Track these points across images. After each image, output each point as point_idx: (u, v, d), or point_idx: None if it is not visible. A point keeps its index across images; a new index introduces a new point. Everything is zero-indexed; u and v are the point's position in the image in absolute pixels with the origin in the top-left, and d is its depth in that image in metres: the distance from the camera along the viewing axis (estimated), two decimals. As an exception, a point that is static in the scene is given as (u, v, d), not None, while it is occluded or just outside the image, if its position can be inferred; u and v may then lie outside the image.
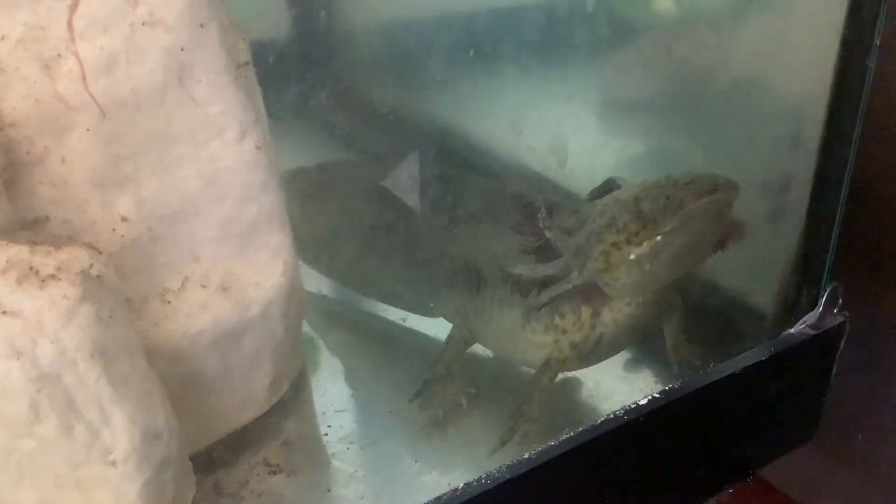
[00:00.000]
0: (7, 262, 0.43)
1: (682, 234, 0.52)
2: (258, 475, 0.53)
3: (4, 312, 0.42)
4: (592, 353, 0.58)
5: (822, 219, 0.61)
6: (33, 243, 0.44)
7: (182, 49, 0.47)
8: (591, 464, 0.54)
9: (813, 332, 0.62)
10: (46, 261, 0.44)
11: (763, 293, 0.65)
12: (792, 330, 0.62)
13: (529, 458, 0.51)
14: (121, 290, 0.47)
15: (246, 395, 0.54)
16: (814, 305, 0.63)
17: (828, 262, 0.62)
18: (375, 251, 0.68)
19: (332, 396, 0.59)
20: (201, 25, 0.47)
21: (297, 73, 0.85)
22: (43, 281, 0.43)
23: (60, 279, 0.43)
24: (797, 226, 0.62)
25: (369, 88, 0.96)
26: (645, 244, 0.52)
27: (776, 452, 0.67)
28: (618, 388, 0.62)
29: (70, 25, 0.46)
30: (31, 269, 0.43)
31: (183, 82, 0.48)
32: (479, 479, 0.50)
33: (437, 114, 0.89)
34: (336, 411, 0.58)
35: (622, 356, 0.62)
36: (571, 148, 0.82)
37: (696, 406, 0.58)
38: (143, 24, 0.46)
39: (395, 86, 0.95)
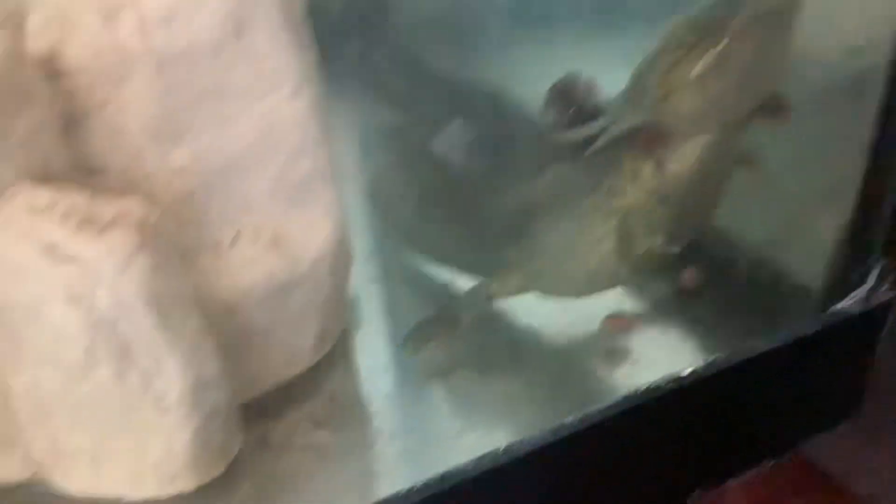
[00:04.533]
0: (67, 208, 0.44)
1: (746, 39, 0.48)
2: (303, 429, 0.53)
3: (64, 258, 0.43)
4: (657, 218, 0.55)
5: (876, 194, 0.60)
6: (92, 193, 0.45)
7: (241, 4, 0.47)
8: (631, 432, 0.54)
9: (860, 309, 0.61)
10: (105, 209, 0.44)
11: (813, 267, 0.64)
12: (839, 305, 0.61)
13: (572, 422, 0.51)
14: (176, 241, 0.48)
15: (293, 349, 0.55)
16: (863, 282, 0.62)
17: (879, 238, 0.61)
18: (434, 214, 0.67)
19: (375, 355, 0.59)
20: (260, -20, 0.48)
21: (352, 33, 0.85)
22: (101, 229, 0.44)
23: (118, 227, 0.44)
24: (850, 201, 0.61)
25: (424, 50, 0.96)
26: (709, 53, 0.49)
27: (818, 429, 0.66)
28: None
29: (131, -24, 0.46)
30: (90, 216, 0.44)
31: (240, 37, 0.48)
32: (522, 440, 0.51)
33: (491, 78, 0.89)
34: (378, 370, 0.58)
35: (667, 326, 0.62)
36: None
37: (739, 379, 0.58)
38: (204, -24, 0.46)
39: (450, 48, 0.95)
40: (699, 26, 0.50)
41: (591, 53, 0.88)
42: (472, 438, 0.55)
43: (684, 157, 0.53)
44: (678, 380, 0.55)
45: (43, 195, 0.44)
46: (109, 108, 0.48)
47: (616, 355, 0.63)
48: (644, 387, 0.54)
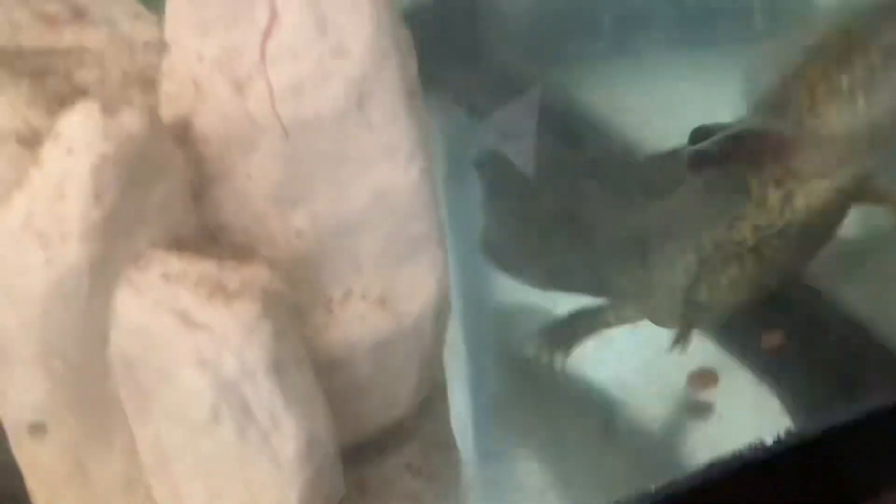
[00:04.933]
0: (199, 277, 0.46)
1: None
2: (400, 476, 0.56)
3: (195, 324, 0.45)
4: (775, 247, 0.53)
5: None
6: (219, 257, 0.48)
7: (364, 78, 0.49)
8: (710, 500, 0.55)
9: None
10: (232, 276, 0.47)
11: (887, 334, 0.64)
12: None
13: (654, 492, 0.53)
14: (294, 303, 0.50)
15: (393, 397, 0.57)
16: None
17: None
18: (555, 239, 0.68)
19: (470, 404, 0.62)
20: (385, 56, 0.49)
21: (438, 43, 0.86)
22: (229, 297, 0.46)
23: (244, 295, 0.46)
24: None
25: (510, 62, 0.96)
26: (859, 64, 0.45)
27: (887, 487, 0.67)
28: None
29: (263, 51, 0.48)
30: (218, 284, 0.46)
31: (362, 108, 0.50)
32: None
33: (579, 94, 0.89)
34: (472, 419, 0.60)
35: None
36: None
37: (818, 447, 0.59)
38: (332, 53, 0.48)
39: (537, 61, 0.95)
40: (852, 33, 0.46)
41: (680, 71, 0.87)
42: (555, 496, 0.57)
43: (816, 193, 0.49)
44: (763, 448, 0.56)
45: (175, 263, 0.46)
46: (237, 174, 0.50)
47: (700, 411, 0.64)
48: (728, 455, 0.55)
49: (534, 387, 0.62)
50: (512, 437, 0.60)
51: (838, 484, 0.66)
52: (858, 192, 0.52)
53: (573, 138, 0.81)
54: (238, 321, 0.46)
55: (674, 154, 0.57)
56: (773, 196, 0.51)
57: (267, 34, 0.48)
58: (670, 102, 0.84)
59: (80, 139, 0.44)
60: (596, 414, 0.63)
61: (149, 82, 0.52)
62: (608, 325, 0.63)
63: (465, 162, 0.81)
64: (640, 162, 0.65)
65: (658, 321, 0.61)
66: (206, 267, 0.47)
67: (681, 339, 0.57)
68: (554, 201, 0.68)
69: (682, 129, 0.78)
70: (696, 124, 0.77)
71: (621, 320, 0.62)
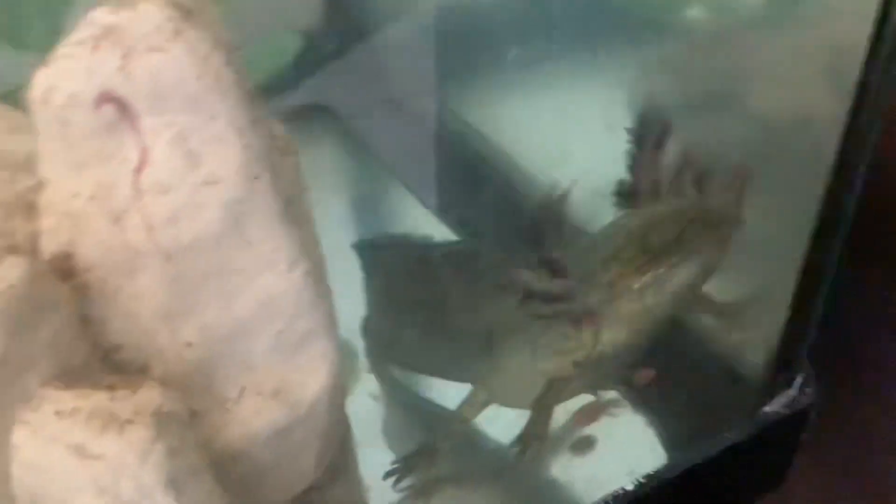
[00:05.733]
0: (91, 410, 0.49)
1: (688, 268, 0.56)
2: (306, 547, 0.60)
3: (91, 456, 0.48)
4: (594, 370, 0.63)
5: (804, 302, 0.65)
6: (111, 387, 0.50)
7: (238, 201, 0.51)
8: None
9: (786, 412, 0.68)
10: (124, 406, 0.49)
11: (744, 372, 0.70)
12: (767, 408, 0.68)
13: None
14: (189, 413, 0.53)
15: (295, 473, 0.61)
16: (789, 386, 0.68)
17: (805, 345, 0.67)
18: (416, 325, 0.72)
19: (378, 459, 0.65)
20: (256, 178, 0.51)
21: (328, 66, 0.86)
22: (121, 426, 0.49)
23: (137, 423, 0.49)
24: (779, 310, 0.66)
25: (405, 87, 0.97)
26: (649, 275, 0.56)
27: (748, 500, 0.74)
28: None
29: (136, 186, 0.50)
30: (111, 415, 0.49)
31: (239, 227, 0.52)
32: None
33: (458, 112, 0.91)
34: (375, 479, 0.64)
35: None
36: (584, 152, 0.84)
37: (679, 484, 0.64)
38: (204, 183, 0.50)
39: (431, 85, 0.96)
40: (649, 249, 0.56)
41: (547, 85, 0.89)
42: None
43: (619, 332, 0.59)
44: (623, 496, 0.61)
45: (68, 399, 0.49)
46: (123, 296, 0.52)
47: (583, 447, 0.69)
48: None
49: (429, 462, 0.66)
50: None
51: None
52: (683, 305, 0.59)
53: (471, 176, 0.84)
54: (132, 448, 0.49)
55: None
56: (586, 332, 0.59)
57: (138, 171, 0.49)
58: (566, 120, 0.86)
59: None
60: (491, 458, 0.68)
61: (31, 206, 0.53)
62: (465, 421, 0.67)
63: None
64: (493, 258, 0.69)
65: (506, 403, 0.66)
66: (97, 399, 0.49)
67: (524, 450, 0.63)
68: (422, 288, 0.71)
69: (582, 148, 0.82)
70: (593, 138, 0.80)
71: (475, 411, 0.66)
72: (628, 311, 0.59)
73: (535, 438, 0.65)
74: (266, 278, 0.54)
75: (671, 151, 0.66)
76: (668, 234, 0.57)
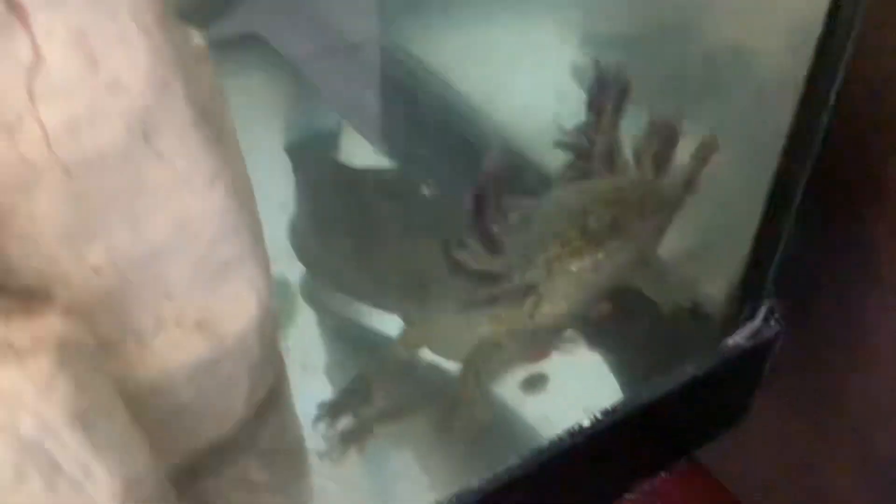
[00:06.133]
0: (-17, 339, 0.44)
1: (625, 251, 0.55)
2: (238, 491, 0.56)
3: (-16, 389, 0.44)
4: (532, 341, 0.61)
5: (769, 234, 0.63)
6: (6, 314, 0.45)
7: (146, 110, 0.46)
8: (534, 485, 0.58)
9: (749, 344, 0.65)
10: (21, 334, 0.45)
11: (710, 303, 0.67)
12: (729, 342, 0.65)
13: (480, 487, 0.55)
14: (97, 343, 0.48)
15: (223, 412, 0.57)
16: (753, 317, 0.65)
17: (769, 277, 0.64)
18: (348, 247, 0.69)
19: (308, 401, 0.62)
20: (165, 85, 0.46)
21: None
22: (19, 355, 0.44)
23: (37, 352, 0.44)
24: (744, 241, 0.63)
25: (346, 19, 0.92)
26: (587, 259, 0.55)
27: (708, 438, 0.72)
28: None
29: (30, 91, 0.45)
30: (7, 344, 0.44)
31: (149, 140, 0.47)
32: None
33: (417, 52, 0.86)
34: (310, 418, 0.60)
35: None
36: (538, 90, 0.80)
37: (638, 419, 0.61)
38: (106, 88, 0.45)
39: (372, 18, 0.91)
40: (588, 232, 0.55)
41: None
42: (401, 489, 0.58)
43: (558, 305, 0.58)
44: (579, 432, 0.58)
45: (-44, 327, 0.44)
46: (20, 216, 0.47)
47: (535, 384, 0.65)
48: (547, 442, 0.57)
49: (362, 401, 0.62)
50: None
51: (670, 439, 0.70)
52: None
53: (415, 105, 0.80)
54: (31, 380, 0.44)
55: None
56: (523, 305, 0.57)
57: (33, 73, 0.44)
58: (507, 53, 0.82)
59: None
60: (437, 396, 0.64)
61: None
62: (398, 358, 0.64)
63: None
64: (434, 199, 0.65)
65: (438, 353, 0.62)
66: (-9, 327, 0.45)
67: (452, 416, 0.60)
68: (353, 212, 0.67)
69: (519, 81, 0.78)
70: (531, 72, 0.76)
71: (408, 351, 0.63)
72: (566, 289, 0.57)
73: (464, 403, 0.60)
74: (182, 197, 0.50)
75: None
76: (608, 218, 0.55)
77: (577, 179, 0.61)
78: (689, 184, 0.59)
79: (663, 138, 0.60)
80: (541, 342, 0.63)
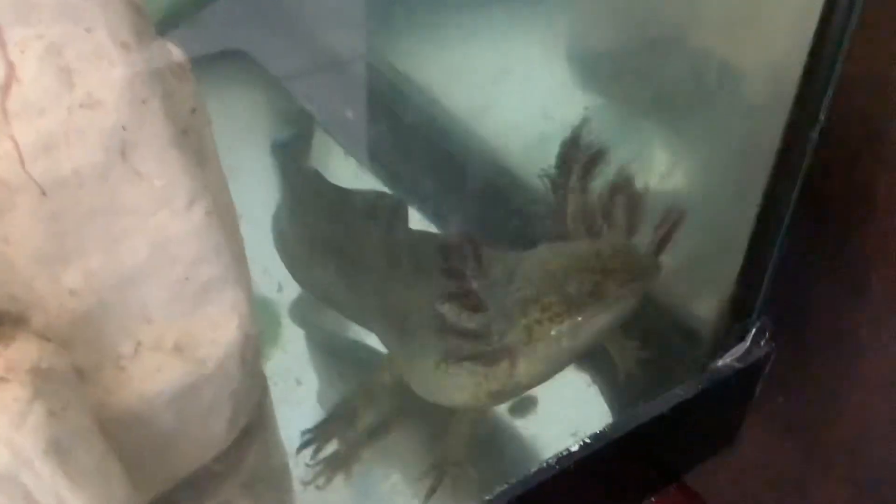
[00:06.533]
0: (-47, 367, 0.42)
1: (604, 318, 0.55)
2: (220, 517, 0.54)
3: (-45, 419, 0.42)
4: (511, 396, 0.60)
5: (759, 253, 0.62)
6: (-20, 338, 0.44)
7: (124, 128, 0.45)
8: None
9: (738, 366, 0.64)
10: (-5, 361, 0.43)
11: (695, 325, 0.66)
12: (719, 363, 0.64)
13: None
14: (74, 370, 0.47)
15: (205, 438, 0.55)
16: (743, 337, 0.64)
17: (760, 297, 0.63)
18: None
19: (293, 425, 0.60)
20: (143, 102, 0.45)
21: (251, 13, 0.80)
22: (-8, 384, 0.43)
23: (10, 381, 0.43)
24: (733, 261, 0.62)
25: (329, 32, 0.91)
26: (566, 324, 0.55)
27: (698, 460, 0.71)
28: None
29: (3, 108, 0.43)
30: (-22, 372, 0.43)
31: (126, 158, 0.46)
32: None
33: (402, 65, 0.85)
34: (295, 440, 0.59)
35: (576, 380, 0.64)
36: (527, 106, 0.79)
37: (627, 443, 0.60)
38: (81, 105, 0.43)
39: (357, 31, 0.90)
40: (568, 298, 0.54)
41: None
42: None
43: (536, 365, 0.57)
44: (567, 457, 0.57)
45: (-75, 354, 0.42)
46: (-7, 239, 0.46)
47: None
48: (533, 467, 0.56)
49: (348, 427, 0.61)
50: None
51: (660, 463, 0.69)
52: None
53: (401, 121, 0.79)
54: (5, 409, 0.42)
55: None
56: (501, 366, 0.56)
57: (5, 90, 0.43)
58: (493, 69, 0.81)
59: None
60: (428, 421, 0.63)
61: None
62: (385, 385, 0.62)
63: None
64: (420, 238, 0.64)
65: (417, 391, 0.61)
66: (-39, 354, 0.43)
67: (430, 492, 0.59)
68: (337, 231, 0.66)
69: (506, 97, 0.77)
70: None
71: (394, 381, 0.62)
72: (545, 352, 0.56)
73: (452, 465, 0.60)
74: (161, 217, 0.48)
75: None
76: (587, 286, 0.54)
77: (559, 239, 0.61)
78: (657, 253, 0.59)
79: (628, 200, 0.60)
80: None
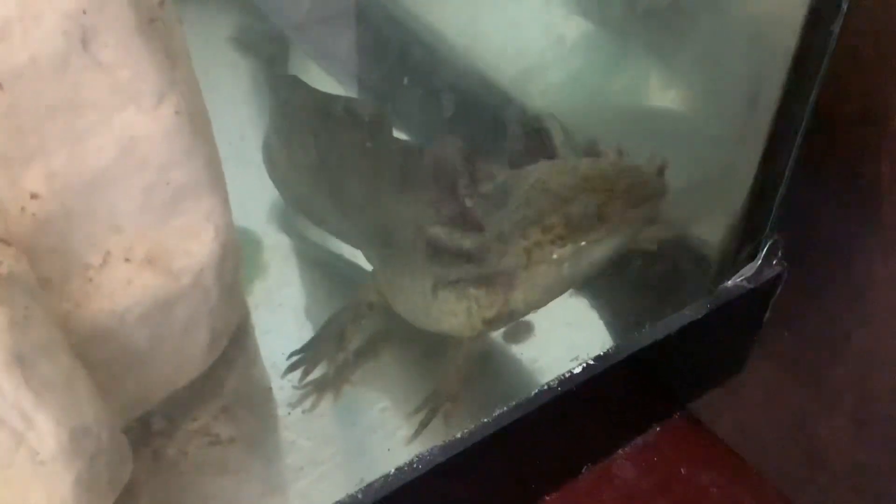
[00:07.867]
0: None
1: (608, 243, 0.52)
2: (196, 444, 0.51)
3: None
4: (506, 323, 0.57)
5: (769, 174, 0.58)
6: (-67, 243, 0.40)
7: (84, 12, 0.41)
8: (524, 438, 0.54)
9: (749, 286, 0.61)
10: (-51, 267, 0.40)
11: (706, 244, 0.63)
12: (729, 283, 0.61)
13: (463, 437, 0.50)
14: (35, 284, 0.43)
15: (181, 359, 0.52)
16: (753, 258, 0.61)
17: (771, 216, 0.60)
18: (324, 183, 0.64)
19: (277, 345, 0.57)
20: (104, -17, 0.41)
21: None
22: (-54, 290, 0.39)
23: (-34, 287, 0.40)
24: (745, 180, 0.59)
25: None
26: (569, 248, 0.51)
27: (704, 389, 0.68)
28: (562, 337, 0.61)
29: (-51, -12, 0.40)
30: (-69, 277, 0.39)
31: (87, 47, 0.42)
32: (412, 462, 0.50)
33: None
34: (279, 363, 0.56)
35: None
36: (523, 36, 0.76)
37: (631, 367, 0.57)
38: (37, -15, 0.40)
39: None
40: (571, 220, 0.51)
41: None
42: (376, 441, 0.54)
43: (532, 292, 0.54)
44: (570, 379, 0.54)
45: None
46: (-56, 135, 0.42)
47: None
48: (536, 389, 0.54)
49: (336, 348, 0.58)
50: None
51: (665, 390, 0.66)
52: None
53: (390, 51, 0.75)
54: (-39, 317, 0.39)
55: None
56: (497, 292, 0.54)
57: (-50, -32, 0.39)
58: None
59: None
60: (419, 342, 0.60)
61: None
62: (371, 305, 0.59)
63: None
64: (408, 151, 0.60)
65: (401, 313, 0.58)
66: (-88, 258, 0.40)
67: (421, 428, 0.55)
68: (320, 139, 0.62)
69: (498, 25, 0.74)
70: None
71: (380, 302, 0.59)
72: (544, 278, 0.52)
73: (447, 399, 0.56)
74: (127, 115, 0.44)
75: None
76: (592, 207, 0.51)
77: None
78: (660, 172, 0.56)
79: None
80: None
